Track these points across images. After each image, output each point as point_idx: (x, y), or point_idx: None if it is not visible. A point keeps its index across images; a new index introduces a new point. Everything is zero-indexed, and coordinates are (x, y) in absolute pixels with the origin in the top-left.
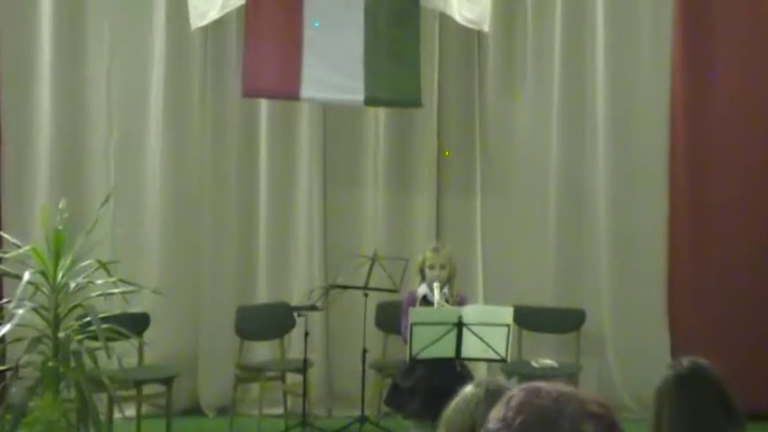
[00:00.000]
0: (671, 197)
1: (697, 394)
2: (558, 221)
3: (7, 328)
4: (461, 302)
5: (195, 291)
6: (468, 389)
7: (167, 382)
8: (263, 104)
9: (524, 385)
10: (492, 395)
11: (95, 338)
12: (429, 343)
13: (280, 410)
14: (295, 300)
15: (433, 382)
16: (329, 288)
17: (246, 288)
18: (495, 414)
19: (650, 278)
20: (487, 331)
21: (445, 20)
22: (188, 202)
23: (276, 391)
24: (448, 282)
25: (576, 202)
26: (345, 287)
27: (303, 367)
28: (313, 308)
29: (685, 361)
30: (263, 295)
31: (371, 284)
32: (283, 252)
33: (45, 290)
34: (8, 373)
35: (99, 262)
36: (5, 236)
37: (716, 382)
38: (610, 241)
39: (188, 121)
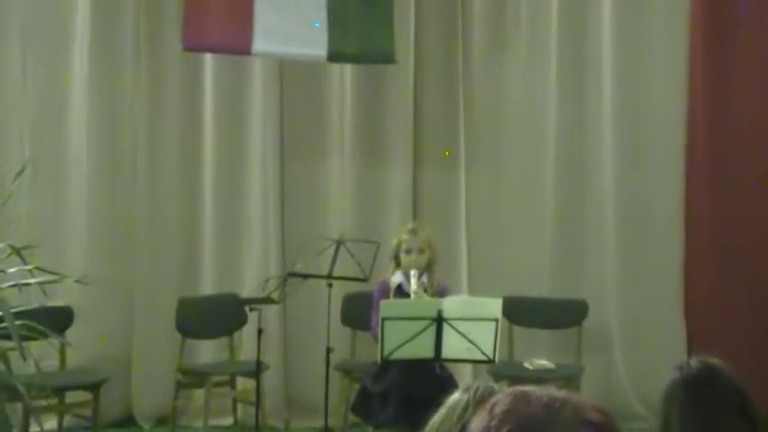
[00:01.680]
0: (688, 171)
1: (708, 399)
2: (557, 198)
3: None
4: (442, 293)
5: (128, 280)
6: (456, 395)
7: (94, 388)
8: (208, 60)
9: (511, 390)
10: (483, 402)
11: (8, 337)
12: (404, 341)
13: (229, 421)
14: (247, 291)
15: (408, 387)
16: (287, 277)
17: (189, 277)
18: (478, 422)
19: (664, 264)
20: (472, 327)
21: None
22: (120, 175)
23: (224, 399)
24: (427, 269)
25: (578, 176)
26: (306, 276)
27: (256, 370)
28: (268, 300)
29: (694, 361)
30: (208, 285)
31: (337, 272)
32: (233, 234)
33: None
34: None
35: (12, 247)
36: None
37: (730, 384)
38: (617, 222)
39: (118, 80)
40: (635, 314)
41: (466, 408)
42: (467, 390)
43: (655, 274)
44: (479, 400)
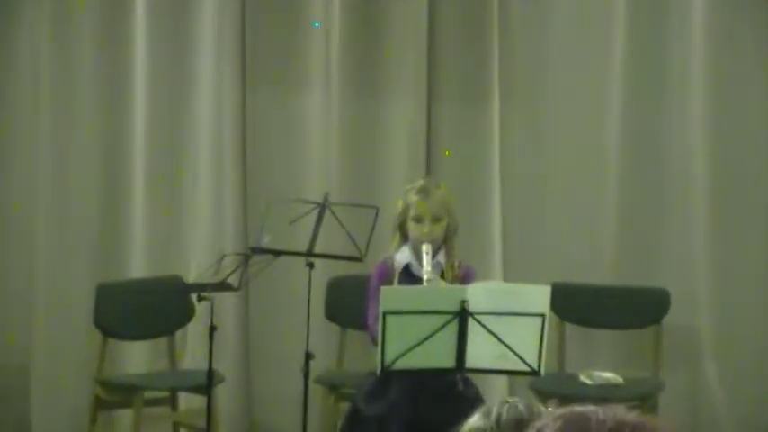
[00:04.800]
0: None
1: None
2: (624, 149)
3: None
4: (466, 278)
5: (26, 261)
6: (472, 421)
7: None
8: None
9: (562, 411)
10: (510, 429)
11: None
12: (413, 344)
13: None
14: (194, 273)
15: (416, 409)
16: (250, 254)
17: (111, 255)
18: None
19: None
20: (509, 325)
21: None
22: (16, 118)
23: (161, 424)
24: (444, 244)
25: (655, 119)
26: (276, 252)
27: (207, 384)
28: (223, 286)
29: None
30: (138, 266)
31: (319, 248)
32: (173, 195)
33: None
34: None
35: None
36: None
37: None
38: (709, 183)
39: None
40: (733, 312)
41: None
42: (487, 414)
43: (761, 256)
44: (506, 428)
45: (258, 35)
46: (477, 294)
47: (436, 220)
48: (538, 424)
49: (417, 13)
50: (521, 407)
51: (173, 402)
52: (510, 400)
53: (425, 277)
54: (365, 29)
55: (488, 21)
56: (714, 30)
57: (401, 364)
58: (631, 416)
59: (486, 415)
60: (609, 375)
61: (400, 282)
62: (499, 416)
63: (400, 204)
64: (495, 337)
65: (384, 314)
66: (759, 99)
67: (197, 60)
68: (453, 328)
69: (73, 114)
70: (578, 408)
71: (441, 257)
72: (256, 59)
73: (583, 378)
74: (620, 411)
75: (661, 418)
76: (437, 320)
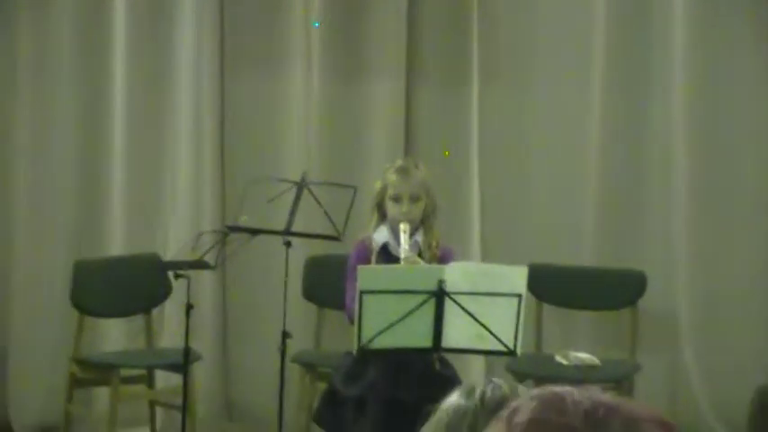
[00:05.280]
0: None
1: None
2: (605, 127)
3: None
4: (444, 258)
5: (2, 239)
6: (453, 399)
7: None
8: None
9: (538, 392)
10: (492, 410)
11: None
12: (390, 323)
13: None
14: (171, 251)
15: (393, 389)
16: (227, 232)
17: (88, 232)
18: None
19: (754, 226)
20: (486, 305)
21: None
22: None
23: (138, 402)
24: (423, 224)
25: (638, 98)
26: (254, 231)
27: (183, 362)
28: (200, 264)
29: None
30: (116, 244)
31: (297, 227)
32: (150, 173)
33: None
34: None
35: None
36: None
37: None
38: (690, 163)
39: None
40: (711, 294)
41: (469, 423)
42: (469, 393)
43: (741, 239)
44: (488, 410)
45: (237, 17)
46: (455, 274)
47: (415, 199)
48: (513, 404)
49: None
50: (505, 387)
51: (149, 380)
52: (494, 380)
53: (402, 255)
54: (345, 11)
55: (468, 3)
56: (697, 15)
57: (378, 344)
58: (607, 397)
59: (469, 393)
60: (585, 356)
61: (378, 261)
62: (483, 394)
63: (378, 184)
64: (472, 317)
65: (361, 293)
66: (740, 87)
67: (176, 41)
68: (430, 307)
69: (52, 92)
70: (554, 388)
71: (419, 237)
72: (235, 41)
73: (559, 359)
74: (595, 392)
75: (637, 401)
76: (414, 300)
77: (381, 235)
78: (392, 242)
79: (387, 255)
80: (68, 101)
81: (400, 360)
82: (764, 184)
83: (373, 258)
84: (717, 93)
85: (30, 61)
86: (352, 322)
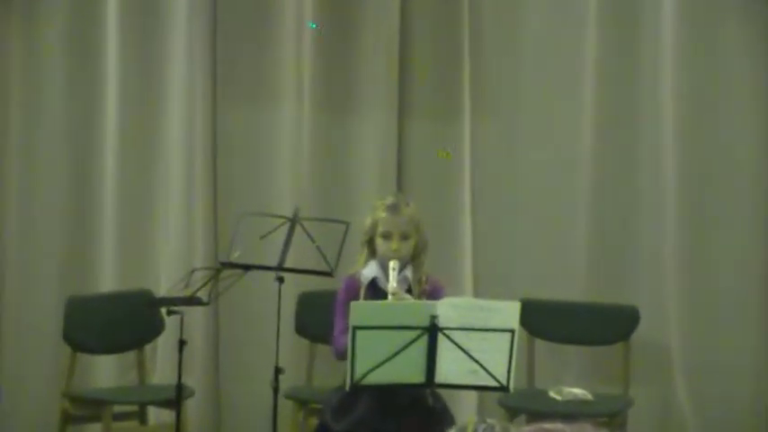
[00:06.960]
0: None
1: None
2: (596, 163)
3: None
4: (433, 293)
5: None
6: None
7: None
8: None
9: (530, 429)
10: None
11: None
12: (382, 360)
13: None
14: (163, 288)
15: (385, 423)
16: (219, 268)
17: (81, 268)
18: None
19: (745, 260)
20: (479, 341)
21: None
22: None
23: None
24: (413, 261)
25: (628, 134)
26: (246, 267)
27: (176, 398)
28: (194, 301)
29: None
30: (108, 280)
31: (290, 263)
32: (143, 208)
33: None
34: None
35: None
36: None
37: None
38: (681, 198)
39: None
40: (704, 328)
41: None
42: (462, 430)
43: (732, 273)
44: None
45: (229, 49)
46: (448, 310)
47: (404, 237)
48: None
49: (389, 28)
50: (498, 428)
51: (141, 416)
52: (487, 421)
53: (390, 291)
54: (337, 44)
55: (459, 36)
56: (686, 39)
57: (371, 380)
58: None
59: (461, 431)
60: (578, 391)
61: (366, 296)
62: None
63: (369, 221)
64: (465, 352)
65: (354, 329)
66: (735, 113)
67: (168, 74)
68: (423, 343)
69: (43, 128)
70: (546, 425)
71: (408, 273)
72: (227, 74)
73: (552, 394)
74: (588, 429)
75: None
76: (407, 336)
77: (370, 270)
78: (381, 277)
79: (375, 289)
80: (59, 137)
81: (391, 394)
82: (758, 216)
83: (362, 293)
84: (710, 125)
85: (20, 97)
86: (338, 357)
